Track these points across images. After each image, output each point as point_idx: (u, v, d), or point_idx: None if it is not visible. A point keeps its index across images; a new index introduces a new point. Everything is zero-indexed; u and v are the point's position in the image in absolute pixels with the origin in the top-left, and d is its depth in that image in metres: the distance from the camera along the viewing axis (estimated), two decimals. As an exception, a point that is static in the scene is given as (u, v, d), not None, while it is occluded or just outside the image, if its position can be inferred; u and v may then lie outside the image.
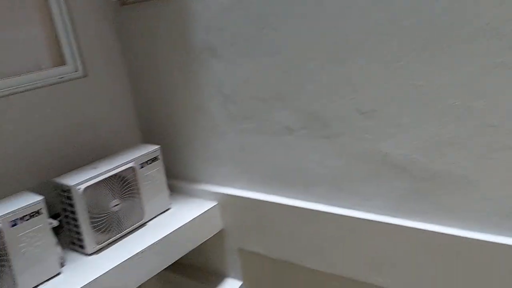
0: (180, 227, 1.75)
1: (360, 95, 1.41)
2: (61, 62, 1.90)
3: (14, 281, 1.37)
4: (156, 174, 1.81)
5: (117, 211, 1.65)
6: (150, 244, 1.65)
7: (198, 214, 1.83)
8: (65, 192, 1.55)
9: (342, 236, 1.58)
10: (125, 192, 1.67)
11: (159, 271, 1.70)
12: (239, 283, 2.04)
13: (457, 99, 1.23)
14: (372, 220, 1.49)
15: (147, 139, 2.16)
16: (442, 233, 1.35)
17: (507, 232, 1.27)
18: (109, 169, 1.63)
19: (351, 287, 1.68)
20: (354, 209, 1.56)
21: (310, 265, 1.73)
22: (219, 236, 1.97)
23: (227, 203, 1.88)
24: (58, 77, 1.86)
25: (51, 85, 1.82)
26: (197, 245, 1.84)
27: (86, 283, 1.45)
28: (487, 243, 1.27)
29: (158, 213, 1.84)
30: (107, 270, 1.51)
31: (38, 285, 1.45)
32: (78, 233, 1.58)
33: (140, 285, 2.11)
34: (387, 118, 1.38)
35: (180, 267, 2.19)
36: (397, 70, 1.31)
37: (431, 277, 1.42)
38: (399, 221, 1.44)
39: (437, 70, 1.24)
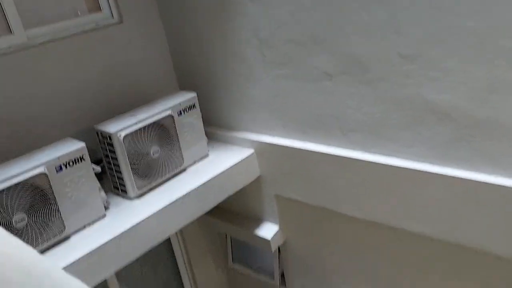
0: (219, 174, 1.78)
1: (403, 37, 1.34)
2: (97, 8, 1.90)
3: (63, 223, 1.44)
4: (194, 121, 1.82)
5: (156, 157, 1.68)
6: (191, 189, 1.68)
7: (236, 161, 1.84)
8: (106, 139, 1.59)
9: (380, 183, 1.56)
10: (164, 139, 1.70)
11: (199, 215, 1.75)
12: (276, 227, 2.08)
13: (508, 40, 1.15)
14: (411, 168, 1.45)
15: (183, 86, 2.16)
16: (485, 182, 1.30)
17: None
18: (148, 117, 1.65)
19: (387, 234, 1.68)
20: (393, 156, 1.52)
21: (345, 211, 1.73)
22: (257, 182, 1.99)
23: (264, 150, 1.89)
24: (94, 23, 1.86)
25: (87, 31, 1.83)
26: (235, 191, 1.88)
27: (131, 225, 1.52)
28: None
29: (197, 160, 1.87)
30: (150, 213, 1.56)
31: (85, 226, 1.52)
32: (120, 178, 1.63)
33: (181, 228, 2.19)
34: (431, 62, 1.31)
35: (219, 211, 2.25)
36: (443, 10, 1.23)
37: (471, 225, 1.39)
38: (440, 169, 1.40)
39: (487, 9, 1.15)
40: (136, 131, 1.61)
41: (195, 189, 1.70)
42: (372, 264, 1.81)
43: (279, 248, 2.17)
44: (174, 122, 1.72)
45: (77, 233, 1.50)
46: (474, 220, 1.37)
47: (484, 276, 1.49)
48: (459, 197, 1.38)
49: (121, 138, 1.57)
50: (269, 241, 2.05)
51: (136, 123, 1.62)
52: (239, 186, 1.89)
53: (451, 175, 1.37)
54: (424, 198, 1.46)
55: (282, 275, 2.26)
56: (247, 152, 1.91)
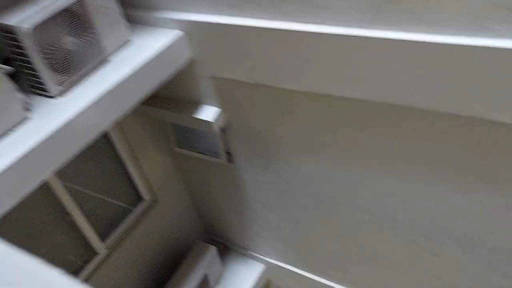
0: (146, 60, 1.67)
1: None
2: None
3: (-20, 132, 1.34)
4: (107, 3, 1.62)
5: (73, 48, 1.54)
6: (119, 79, 1.59)
7: (163, 45, 1.72)
8: (10, 34, 1.41)
9: (315, 53, 1.52)
10: (77, 27, 1.53)
11: (133, 105, 1.68)
12: (217, 109, 2.06)
13: None
14: (344, 34, 1.41)
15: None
16: (414, 41, 1.29)
17: (480, 33, 1.21)
18: (53, 3, 1.46)
19: (326, 103, 1.70)
20: (325, 24, 1.46)
21: (284, 85, 1.71)
22: (190, 65, 1.90)
23: (193, 30, 1.76)
24: None
25: None
26: (167, 77, 1.79)
27: (59, 123, 1.44)
28: (462, 47, 1.23)
29: (119, 47, 1.72)
30: (79, 109, 1.48)
31: (7, 133, 1.42)
32: (36, 76, 1.49)
33: (117, 120, 2.13)
34: None
35: (156, 100, 2.17)
36: None
37: (406, 85, 1.41)
38: (372, 32, 1.37)
39: None
40: (43, 22, 1.43)
41: (123, 79, 1.60)
42: (314, 133, 1.86)
43: (223, 129, 2.17)
44: (85, 6, 1.53)
45: (1, 140, 1.41)
46: (405, 79, 1.39)
47: (414, 129, 1.56)
48: (390, 58, 1.37)
49: (30, 31, 1.39)
50: (211, 122, 2.04)
51: (41, 12, 1.43)
52: (171, 71, 1.80)
53: (382, 37, 1.34)
54: (359, 63, 1.45)
55: (229, 154, 2.30)
56: (174, 34, 1.78)
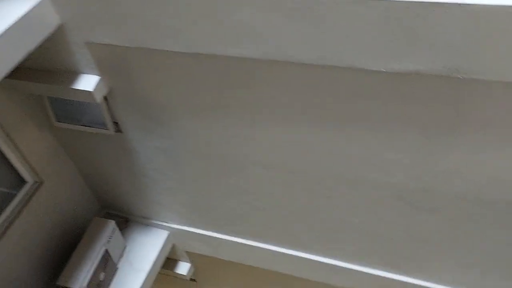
0: (3, 30, 1.47)
1: None
2: None
3: None
4: None
5: None
6: (-28, 54, 1.40)
7: (22, 11, 1.54)
8: None
9: (192, 11, 1.47)
10: None
11: (-4, 82, 1.50)
12: (96, 77, 1.92)
13: None
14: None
15: None
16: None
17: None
18: None
19: (211, 63, 1.67)
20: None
21: (165, 47, 1.65)
22: (59, 32, 1.74)
23: (58, -10, 1.60)
24: None
25: None
26: (34, 46, 1.61)
27: None
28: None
29: (-31, 15, 1.51)
30: None
31: None
32: None
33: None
34: None
35: (25, 72, 1.97)
36: None
37: (286, 41, 1.43)
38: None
39: None
40: None
41: (-22, 53, 1.41)
42: (201, 94, 1.83)
43: (106, 98, 2.04)
44: None
45: None
46: (284, 35, 1.41)
47: (298, 83, 1.61)
48: (268, 14, 1.37)
49: None
50: (91, 92, 1.90)
51: None
52: (37, 39, 1.62)
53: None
54: (239, 20, 1.43)
55: (116, 123, 2.19)
56: (36, -4, 1.59)
